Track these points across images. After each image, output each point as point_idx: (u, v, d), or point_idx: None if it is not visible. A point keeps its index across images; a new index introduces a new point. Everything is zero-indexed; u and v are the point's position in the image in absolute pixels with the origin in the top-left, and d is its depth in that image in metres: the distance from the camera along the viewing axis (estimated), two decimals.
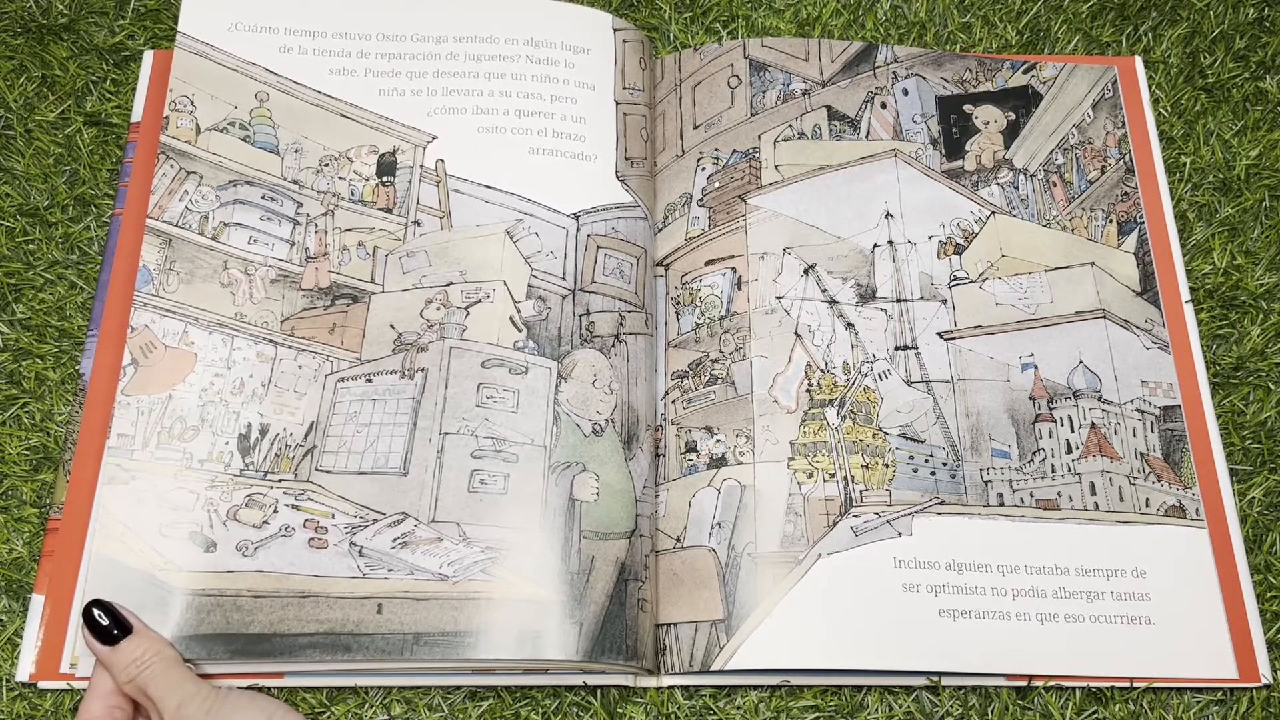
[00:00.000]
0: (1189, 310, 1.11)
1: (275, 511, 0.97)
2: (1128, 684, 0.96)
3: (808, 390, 1.05)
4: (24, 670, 0.94)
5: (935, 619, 0.97)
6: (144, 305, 1.02)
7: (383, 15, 1.17)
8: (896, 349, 1.08)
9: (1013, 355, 1.08)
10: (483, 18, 1.17)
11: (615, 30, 1.18)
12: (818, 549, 0.99)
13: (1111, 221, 1.14)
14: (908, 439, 1.04)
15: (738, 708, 0.97)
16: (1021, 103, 1.19)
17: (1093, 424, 1.05)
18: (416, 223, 1.09)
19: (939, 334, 1.09)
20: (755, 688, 0.98)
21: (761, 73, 1.19)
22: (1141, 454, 1.05)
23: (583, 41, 1.17)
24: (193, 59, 1.12)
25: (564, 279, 1.08)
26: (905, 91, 1.19)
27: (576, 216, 1.10)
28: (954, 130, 1.17)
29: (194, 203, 1.06)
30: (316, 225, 1.08)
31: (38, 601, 0.96)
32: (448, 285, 1.06)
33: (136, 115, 1.14)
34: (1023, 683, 0.96)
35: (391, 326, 1.05)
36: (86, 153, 1.13)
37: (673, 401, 1.07)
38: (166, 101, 1.09)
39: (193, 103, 1.10)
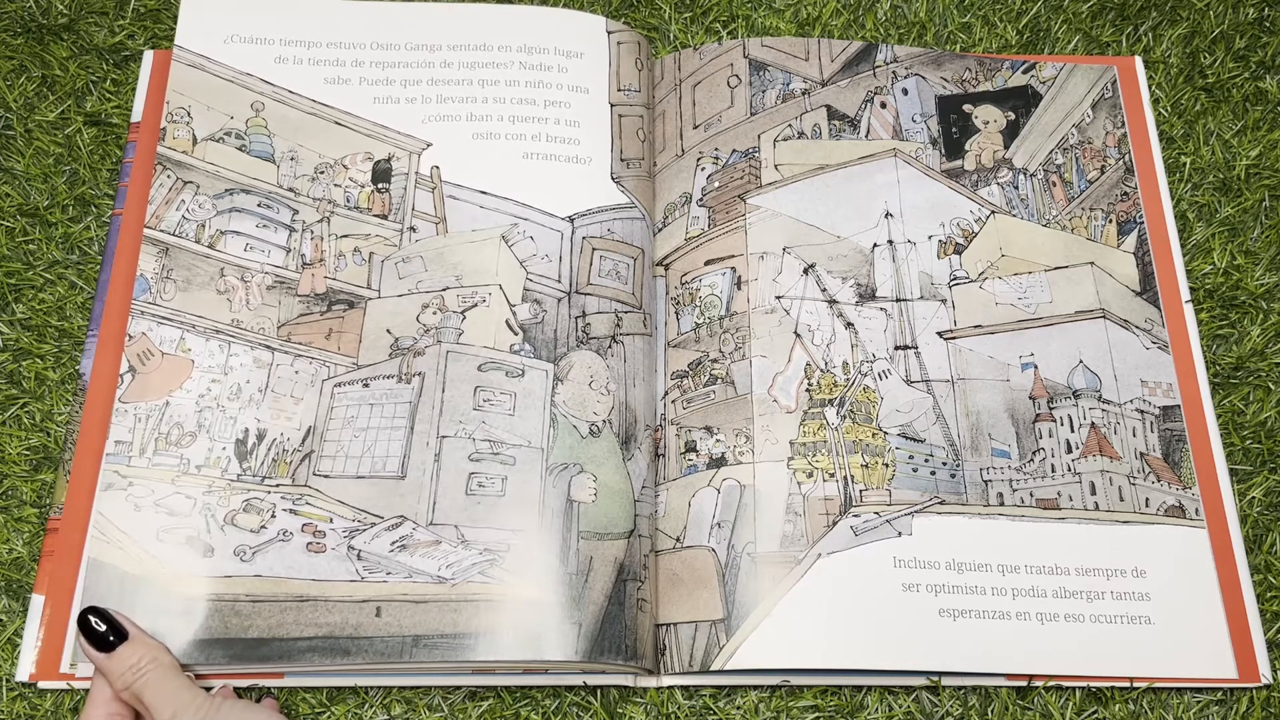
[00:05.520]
0: (1189, 310, 1.10)
1: (273, 516, 0.97)
2: (1128, 684, 0.96)
3: (807, 390, 1.05)
4: (24, 670, 0.94)
5: (935, 619, 0.97)
6: (141, 314, 1.03)
7: (377, 25, 1.17)
8: (896, 348, 1.08)
9: (1013, 355, 1.08)
10: (476, 26, 1.18)
11: (609, 33, 1.18)
12: (817, 549, 0.99)
13: (1111, 221, 1.14)
14: (908, 438, 1.04)
15: (738, 708, 0.97)
16: (1021, 102, 1.19)
17: (1093, 424, 1.05)
18: (412, 228, 1.09)
19: (939, 333, 1.08)
20: (755, 688, 0.98)
21: (761, 72, 1.18)
22: (1141, 454, 1.05)
23: (576, 46, 1.17)
24: (189, 71, 1.12)
25: (559, 281, 1.08)
26: (905, 91, 1.19)
27: (571, 219, 1.10)
28: (954, 130, 1.17)
29: (190, 211, 1.07)
30: (312, 232, 1.08)
31: (38, 601, 0.96)
32: (444, 290, 1.06)
33: (136, 115, 1.14)
34: (1023, 683, 0.96)
35: (388, 331, 1.05)
36: (86, 153, 1.13)
37: (672, 401, 1.07)
38: (163, 113, 1.10)
39: (189, 114, 1.10)
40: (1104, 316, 1.09)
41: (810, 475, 1.02)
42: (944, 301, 1.10)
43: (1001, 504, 1.02)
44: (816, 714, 0.97)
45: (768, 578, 0.98)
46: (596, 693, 0.97)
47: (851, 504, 1.01)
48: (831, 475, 1.02)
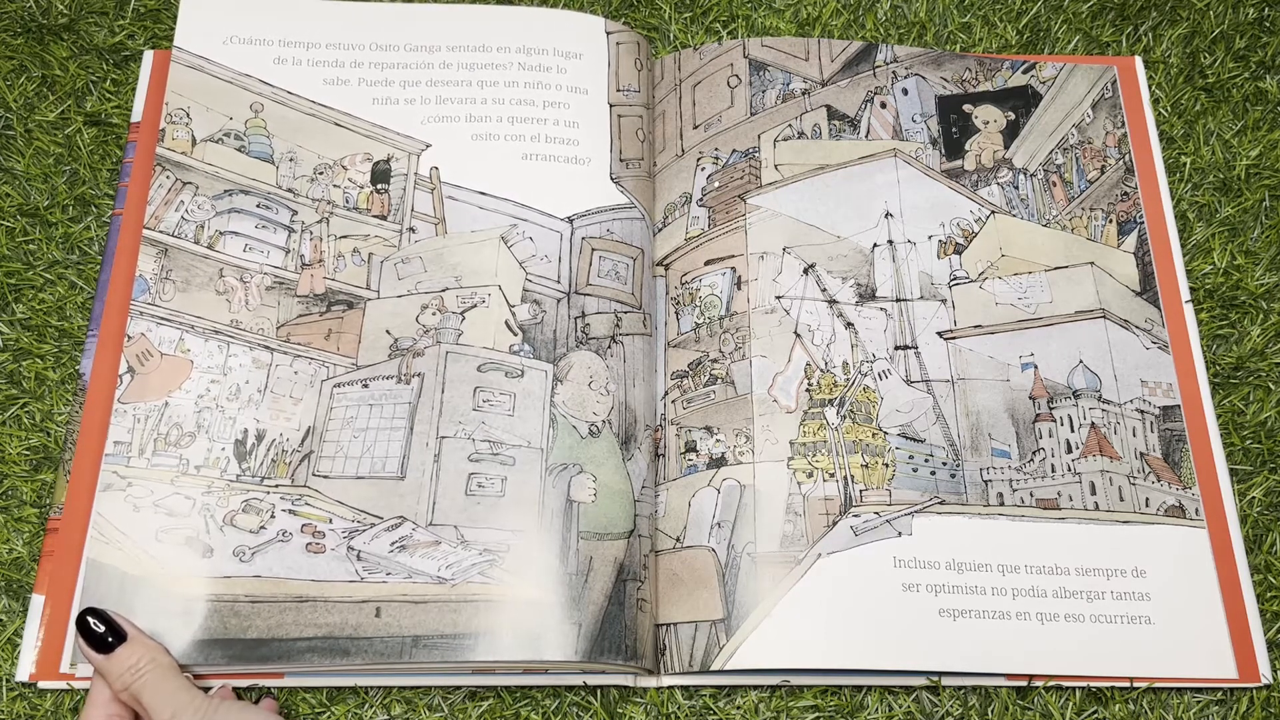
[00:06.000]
0: (1189, 310, 1.10)
1: (272, 516, 0.97)
2: (1128, 684, 0.96)
3: (807, 390, 1.05)
4: (24, 670, 0.94)
5: (935, 619, 0.97)
6: (140, 314, 1.03)
7: (376, 25, 1.18)
8: (896, 348, 1.08)
9: (1013, 355, 1.08)
10: (475, 27, 1.18)
11: (609, 34, 1.18)
12: (817, 549, 0.99)
13: (1111, 221, 1.14)
14: (908, 438, 1.04)
15: (738, 708, 0.97)
16: (1021, 102, 1.19)
17: (1092, 424, 1.05)
18: (411, 229, 1.09)
19: (939, 333, 1.08)
20: (755, 688, 0.98)
21: (761, 72, 1.18)
22: (1141, 454, 1.05)
23: (575, 47, 1.17)
24: (189, 72, 1.12)
25: (559, 282, 1.08)
26: (905, 91, 1.19)
27: (570, 220, 1.10)
28: (954, 130, 1.17)
29: (190, 213, 1.07)
30: (312, 232, 1.08)
31: (38, 601, 0.96)
32: (443, 290, 1.07)
33: (136, 115, 1.14)
34: (1023, 683, 0.96)
35: (387, 332, 1.05)
36: (86, 153, 1.13)
37: (672, 401, 1.07)
38: (162, 114, 1.10)
39: (188, 115, 1.10)
40: (1104, 316, 1.09)
41: (810, 475, 1.02)
42: (944, 301, 1.10)
43: (1001, 504, 1.02)
44: (816, 714, 0.97)
45: (768, 578, 0.98)
46: (596, 693, 0.97)
47: (851, 504, 1.01)
48: (831, 475, 1.02)
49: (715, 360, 1.07)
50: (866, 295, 1.09)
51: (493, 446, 1.00)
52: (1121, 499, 1.02)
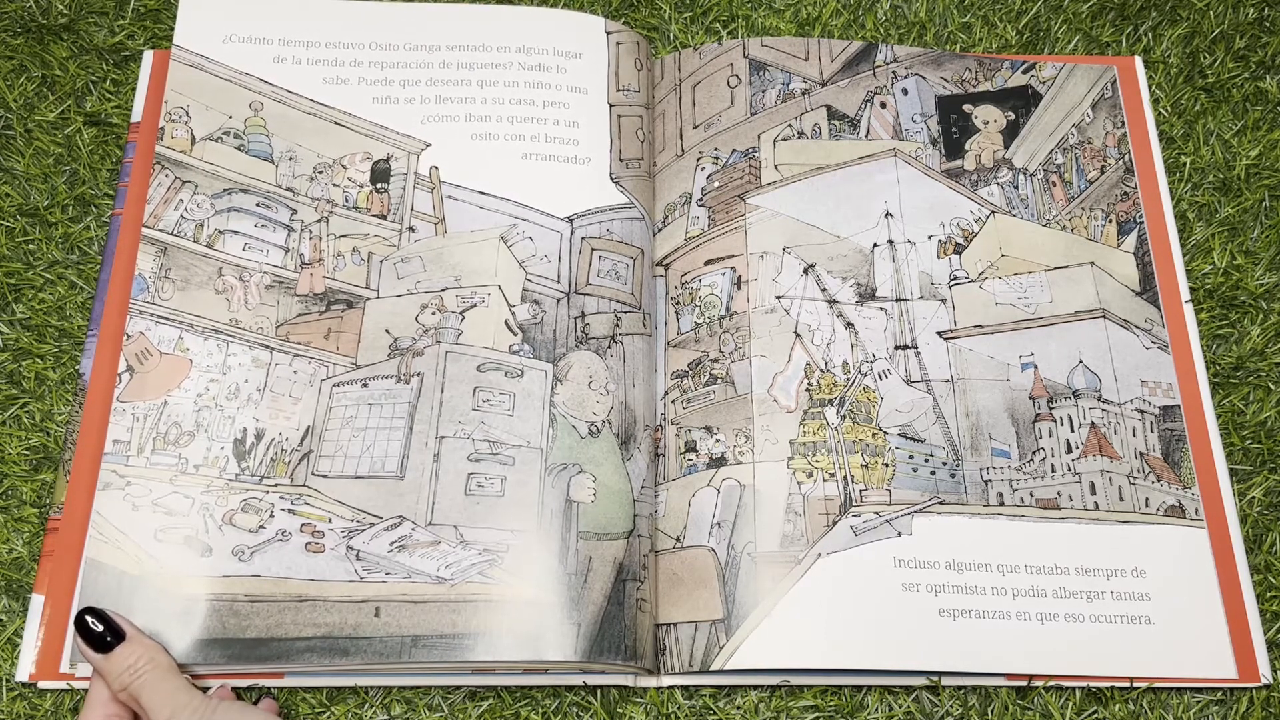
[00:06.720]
0: (1189, 310, 1.10)
1: (272, 516, 0.97)
2: (1128, 684, 0.96)
3: (807, 390, 1.05)
4: (24, 670, 0.94)
5: (935, 619, 0.97)
6: (139, 313, 1.03)
7: (375, 25, 1.18)
8: (896, 348, 1.08)
9: (1012, 355, 1.08)
10: (475, 26, 1.18)
11: (609, 33, 1.18)
12: (817, 549, 0.99)
13: (1111, 221, 1.14)
14: (907, 438, 1.04)
15: (738, 708, 0.97)
16: (1021, 102, 1.19)
17: (1092, 424, 1.05)
18: (411, 229, 1.09)
19: (939, 333, 1.08)
20: (755, 688, 0.98)
21: (761, 72, 1.18)
22: (1141, 454, 1.04)
23: (575, 46, 1.17)
24: (188, 70, 1.12)
25: (559, 282, 1.08)
26: (905, 91, 1.18)
27: (570, 220, 1.10)
28: (954, 130, 1.17)
29: (189, 211, 1.07)
30: (311, 232, 1.08)
31: (38, 601, 0.96)
32: (443, 290, 1.06)
33: (136, 115, 1.14)
34: (1023, 683, 0.96)
35: (387, 331, 1.05)
36: (86, 153, 1.13)
37: (672, 401, 1.06)
38: (162, 113, 1.10)
39: (188, 113, 1.10)
40: (1104, 316, 1.09)
41: (810, 475, 1.02)
42: (944, 301, 1.10)
43: (1001, 504, 1.02)
44: (816, 714, 0.97)
45: (768, 578, 0.98)
46: (596, 693, 0.97)
47: (851, 504, 1.01)
48: (831, 475, 1.02)
49: (715, 360, 1.07)
50: (866, 295, 1.09)
51: (492, 446, 1.00)
52: (1121, 499, 1.02)
